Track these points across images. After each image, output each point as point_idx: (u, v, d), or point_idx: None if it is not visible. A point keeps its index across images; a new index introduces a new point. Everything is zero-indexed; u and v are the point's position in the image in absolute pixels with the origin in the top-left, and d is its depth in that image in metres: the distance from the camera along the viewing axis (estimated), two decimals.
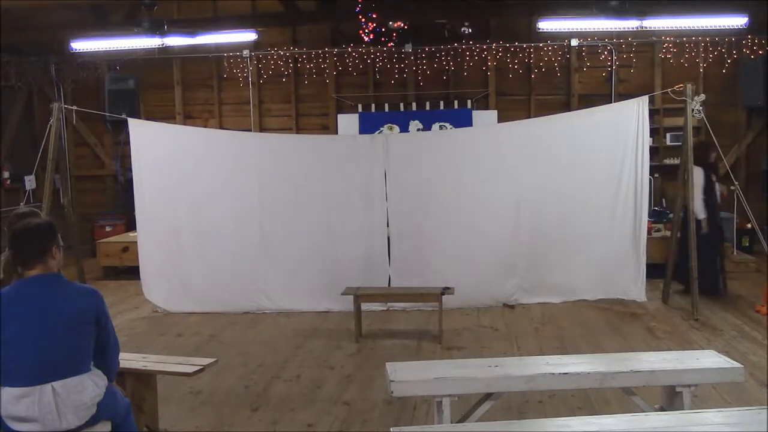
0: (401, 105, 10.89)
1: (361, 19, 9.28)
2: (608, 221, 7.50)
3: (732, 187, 7.65)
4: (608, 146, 7.45)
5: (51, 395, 2.98)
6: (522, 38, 10.52)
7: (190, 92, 11.46)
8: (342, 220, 7.58)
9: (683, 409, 3.76)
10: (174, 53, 11.04)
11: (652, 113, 9.85)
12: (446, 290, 6.52)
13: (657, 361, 4.00)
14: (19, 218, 3.20)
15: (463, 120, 10.32)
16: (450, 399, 3.72)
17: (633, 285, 7.43)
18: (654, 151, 10.18)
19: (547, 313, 7.32)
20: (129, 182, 8.84)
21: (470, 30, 10.32)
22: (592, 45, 10.49)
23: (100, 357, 3.24)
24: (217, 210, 7.64)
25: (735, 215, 9.08)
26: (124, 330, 6.94)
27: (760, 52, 9.87)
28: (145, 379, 4.21)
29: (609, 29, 9.87)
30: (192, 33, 9.48)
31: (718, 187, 7.70)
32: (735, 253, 9.12)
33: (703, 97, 7.14)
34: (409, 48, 10.61)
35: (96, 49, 10.45)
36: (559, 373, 3.78)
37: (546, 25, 9.72)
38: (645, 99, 7.42)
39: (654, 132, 10.13)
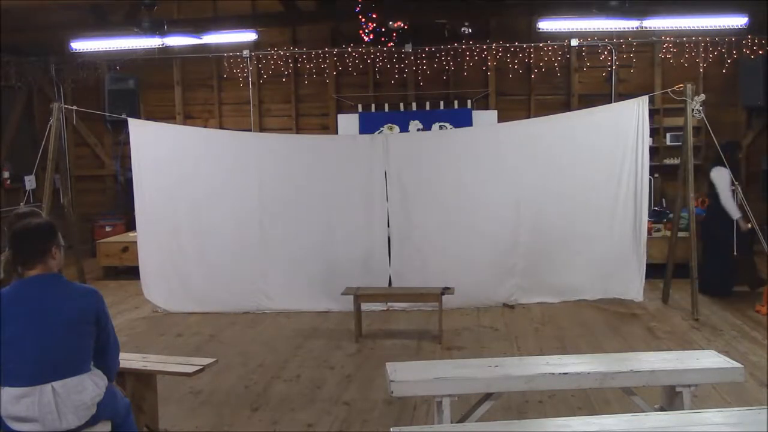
0: (401, 105, 10.89)
1: (361, 19, 9.27)
2: (608, 221, 7.50)
3: (732, 187, 7.65)
4: (608, 146, 7.45)
5: (51, 395, 2.98)
6: (522, 38, 10.52)
7: (190, 92, 11.46)
8: (342, 220, 7.58)
9: (683, 409, 3.76)
10: (174, 53, 11.04)
11: (652, 113, 9.84)
12: (446, 290, 6.52)
13: (657, 361, 4.00)
14: (19, 218, 3.20)
15: (463, 120, 10.31)
16: (450, 399, 3.72)
17: (632, 285, 7.42)
18: (654, 151, 10.18)
19: (547, 313, 7.32)
20: (129, 182, 8.84)
21: (470, 30, 10.31)
22: (592, 45, 10.49)
23: (100, 357, 3.24)
24: (217, 210, 7.64)
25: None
26: (124, 330, 6.94)
27: (760, 52, 9.87)
28: (145, 379, 4.21)
29: (609, 29, 9.87)
30: (197, 33, 9.48)
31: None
32: (735, 253, 9.10)
33: (703, 97, 7.14)
34: (409, 48, 10.61)
35: (96, 49, 10.45)
36: (559, 373, 3.78)
37: (546, 25, 9.72)
38: (645, 99, 7.42)
39: (654, 132, 10.12)
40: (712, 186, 7.67)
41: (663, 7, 9.03)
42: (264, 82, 11.16)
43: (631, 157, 7.39)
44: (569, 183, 7.49)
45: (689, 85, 7.12)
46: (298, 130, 11.18)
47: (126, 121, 8.05)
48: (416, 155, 7.63)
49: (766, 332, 6.36)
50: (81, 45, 10.27)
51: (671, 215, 8.35)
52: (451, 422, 3.70)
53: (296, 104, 11.23)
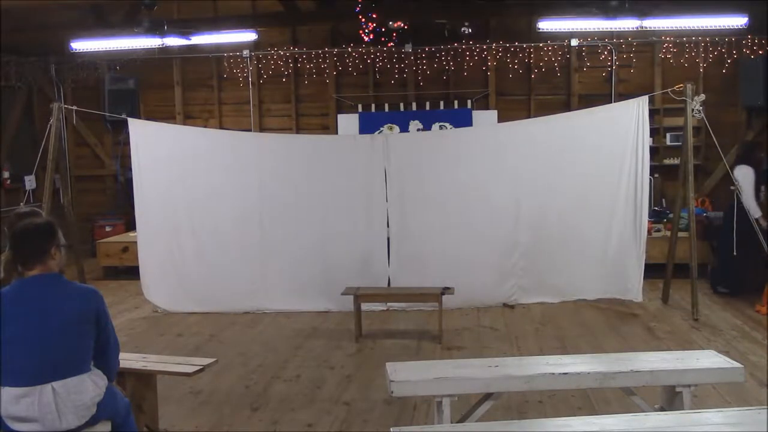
0: (401, 105, 10.88)
1: (361, 19, 9.27)
2: (608, 221, 7.50)
3: (732, 187, 7.65)
4: (608, 146, 7.45)
5: (51, 395, 2.99)
6: (522, 38, 10.52)
7: (190, 92, 11.45)
8: (342, 220, 7.58)
9: (683, 409, 3.76)
10: (174, 53, 11.04)
11: (652, 113, 9.84)
12: (446, 290, 6.52)
13: (657, 361, 4.00)
14: (19, 218, 3.20)
15: (463, 120, 10.31)
16: (450, 399, 3.72)
17: (632, 285, 7.41)
18: (654, 151, 10.17)
19: (547, 313, 7.32)
20: (129, 182, 8.84)
21: (470, 30, 10.30)
22: (592, 45, 10.48)
23: (100, 357, 3.24)
24: (217, 210, 7.64)
25: (735, 215, 9.05)
26: (124, 330, 6.94)
27: (760, 52, 9.86)
28: (145, 379, 4.21)
29: (609, 29, 9.86)
30: (187, 34, 9.46)
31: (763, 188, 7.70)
32: (735, 253, 9.10)
33: (703, 97, 7.14)
34: (409, 48, 10.60)
35: (96, 49, 10.44)
36: (559, 373, 3.78)
37: (546, 25, 9.71)
38: (645, 99, 7.41)
39: (654, 132, 10.11)
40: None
41: (663, 7, 9.03)
42: (264, 82, 11.16)
43: (631, 157, 7.38)
44: (569, 183, 7.49)
45: (689, 85, 7.12)
46: (298, 130, 11.17)
47: (126, 121, 8.05)
48: (416, 155, 7.63)
49: (766, 332, 6.36)
50: (81, 45, 10.26)
51: (671, 215, 8.35)
52: (451, 422, 3.71)
53: (296, 104, 11.22)
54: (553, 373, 3.78)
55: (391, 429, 3.13)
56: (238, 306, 7.64)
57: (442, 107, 10.73)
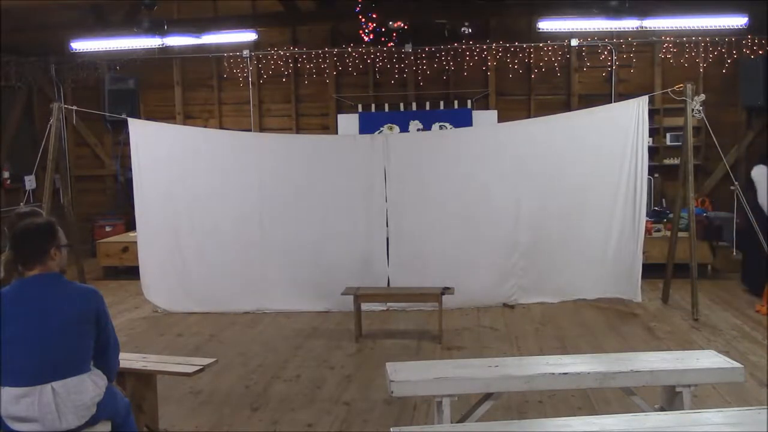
0: (401, 105, 10.88)
1: (361, 19, 9.27)
2: (608, 221, 7.49)
3: (732, 187, 7.65)
4: (608, 146, 7.45)
5: (51, 395, 2.99)
6: (522, 38, 10.52)
7: (190, 92, 11.46)
8: (342, 220, 7.58)
9: (683, 409, 3.76)
10: (174, 53, 11.04)
11: (652, 113, 9.85)
12: (446, 290, 6.52)
13: (657, 361, 4.00)
14: (20, 218, 3.20)
15: (463, 120, 10.31)
16: (450, 399, 3.72)
17: (631, 285, 7.40)
18: (654, 151, 10.19)
19: (547, 313, 7.32)
20: (129, 182, 8.83)
21: (470, 30, 10.31)
22: (592, 45, 10.48)
23: (100, 357, 3.24)
24: (217, 210, 7.64)
25: (735, 215, 9.07)
26: (124, 330, 6.94)
27: (760, 52, 9.87)
28: (145, 379, 4.21)
29: (609, 29, 9.87)
30: (196, 33, 9.47)
31: None
32: (735, 253, 9.12)
33: (703, 97, 7.14)
34: (409, 48, 10.60)
35: (96, 49, 10.45)
36: (559, 373, 3.78)
37: (546, 25, 9.72)
38: (645, 99, 7.41)
39: (654, 132, 10.13)
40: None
41: (663, 7, 9.03)
42: (264, 82, 11.16)
43: (631, 157, 7.38)
44: (569, 183, 7.49)
45: (689, 85, 7.12)
46: (298, 130, 11.17)
47: (126, 121, 8.05)
48: (416, 155, 7.63)
49: (766, 332, 6.36)
50: (81, 45, 10.26)
51: (671, 215, 8.35)
52: (451, 422, 3.71)
53: (296, 104, 11.22)
54: (553, 373, 3.78)
55: (391, 429, 3.13)
56: (238, 306, 7.64)
57: (442, 107, 10.73)
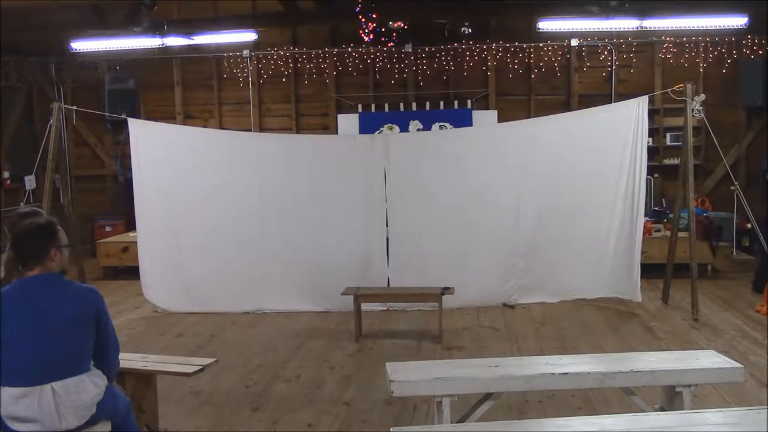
0: (401, 105, 10.88)
1: (361, 19, 9.26)
2: (607, 221, 7.49)
3: (732, 187, 7.65)
4: (608, 146, 7.44)
5: (50, 395, 2.99)
6: (522, 38, 10.52)
7: (190, 92, 11.45)
8: (342, 220, 7.58)
9: (683, 409, 3.76)
10: (174, 53, 11.04)
11: (652, 113, 9.85)
12: (446, 290, 6.52)
13: (657, 361, 4.00)
14: (21, 218, 3.20)
15: (463, 120, 10.31)
16: (450, 399, 3.72)
17: (630, 285, 7.40)
18: (654, 151, 10.19)
19: (547, 313, 7.32)
20: (129, 182, 8.83)
21: (470, 30, 10.30)
22: (592, 45, 10.48)
23: (100, 357, 3.23)
24: (217, 210, 7.64)
25: (735, 215, 9.08)
26: (124, 330, 6.94)
27: (760, 52, 9.87)
28: (145, 379, 4.20)
29: (609, 29, 9.87)
30: (188, 34, 9.45)
31: None
32: (735, 253, 9.13)
33: (703, 97, 7.14)
34: (409, 48, 10.60)
35: (96, 49, 10.45)
36: (559, 373, 3.78)
37: (546, 25, 9.72)
38: (645, 99, 7.41)
39: (654, 132, 10.13)
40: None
41: (663, 7, 9.03)
42: (264, 82, 11.16)
43: (630, 157, 7.38)
44: (569, 183, 7.49)
45: (689, 85, 7.12)
46: (298, 130, 11.17)
47: (126, 121, 8.05)
48: (416, 155, 7.63)
49: (766, 332, 6.36)
50: (81, 45, 10.26)
51: (671, 215, 8.35)
52: (451, 422, 3.70)
53: (296, 104, 11.22)
54: (553, 373, 3.78)
55: (391, 429, 3.13)
56: (238, 306, 7.64)
57: (442, 107, 10.73)
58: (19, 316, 3.02)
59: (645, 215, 7.72)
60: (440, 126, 10.34)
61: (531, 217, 7.54)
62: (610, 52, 10.50)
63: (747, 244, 9.48)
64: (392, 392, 3.73)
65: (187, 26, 9.88)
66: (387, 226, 7.61)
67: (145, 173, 7.69)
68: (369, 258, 7.58)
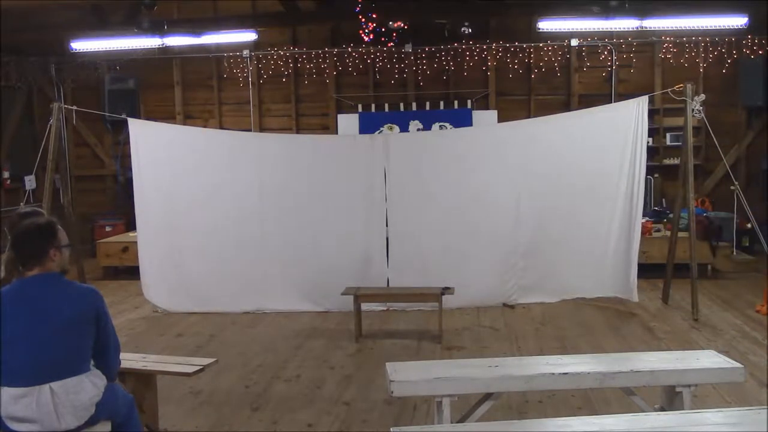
0: (401, 105, 10.89)
1: (361, 19, 9.27)
2: (607, 221, 7.49)
3: (732, 187, 7.65)
4: (608, 146, 7.44)
5: (48, 395, 2.98)
6: (522, 38, 10.52)
7: (190, 92, 11.46)
8: (342, 220, 7.58)
9: (683, 409, 3.76)
10: (174, 53, 11.04)
11: (652, 113, 9.85)
12: (446, 290, 6.52)
13: (657, 361, 4.00)
14: (21, 218, 3.20)
15: (463, 120, 10.31)
16: (450, 399, 3.72)
17: (629, 285, 7.40)
18: (654, 151, 10.19)
19: (547, 313, 7.32)
20: (129, 182, 8.84)
21: (470, 30, 10.31)
22: (592, 45, 10.49)
23: (101, 357, 3.23)
24: (216, 210, 7.64)
25: (735, 215, 9.08)
26: (124, 330, 6.94)
27: (760, 52, 9.87)
28: (145, 379, 4.20)
29: (609, 29, 9.87)
30: (196, 33, 9.46)
31: None
32: (735, 253, 9.13)
33: (703, 97, 7.14)
34: (409, 48, 10.61)
35: (96, 49, 10.45)
36: (559, 373, 3.77)
37: (546, 25, 9.72)
38: (644, 99, 7.41)
39: (654, 132, 10.13)
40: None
41: (663, 7, 9.04)
42: (264, 82, 11.16)
43: (629, 157, 7.38)
44: (569, 183, 7.49)
45: (689, 85, 7.12)
46: (298, 130, 11.18)
47: (126, 121, 8.05)
48: (416, 155, 7.63)
49: (766, 332, 6.36)
50: (81, 45, 10.26)
51: (671, 215, 8.35)
52: (451, 422, 3.70)
53: (296, 104, 11.23)
54: (553, 373, 3.77)
55: (391, 429, 3.12)
56: (238, 306, 7.64)
57: (442, 107, 10.73)
58: (19, 316, 3.02)
59: (645, 215, 7.72)
60: (440, 126, 10.34)
61: (531, 217, 7.54)
62: (610, 52, 10.50)
63: (747, 244, 9.48)
64: (392, 392, 3.73)
65: (189, 26, 9.88)
66: (387, 226, 7.61)
67: (145, 173, 7.69)
68: (369, 258, 7.58)
